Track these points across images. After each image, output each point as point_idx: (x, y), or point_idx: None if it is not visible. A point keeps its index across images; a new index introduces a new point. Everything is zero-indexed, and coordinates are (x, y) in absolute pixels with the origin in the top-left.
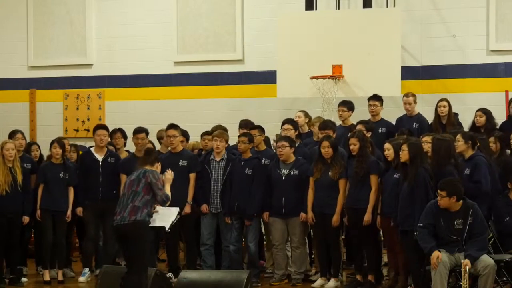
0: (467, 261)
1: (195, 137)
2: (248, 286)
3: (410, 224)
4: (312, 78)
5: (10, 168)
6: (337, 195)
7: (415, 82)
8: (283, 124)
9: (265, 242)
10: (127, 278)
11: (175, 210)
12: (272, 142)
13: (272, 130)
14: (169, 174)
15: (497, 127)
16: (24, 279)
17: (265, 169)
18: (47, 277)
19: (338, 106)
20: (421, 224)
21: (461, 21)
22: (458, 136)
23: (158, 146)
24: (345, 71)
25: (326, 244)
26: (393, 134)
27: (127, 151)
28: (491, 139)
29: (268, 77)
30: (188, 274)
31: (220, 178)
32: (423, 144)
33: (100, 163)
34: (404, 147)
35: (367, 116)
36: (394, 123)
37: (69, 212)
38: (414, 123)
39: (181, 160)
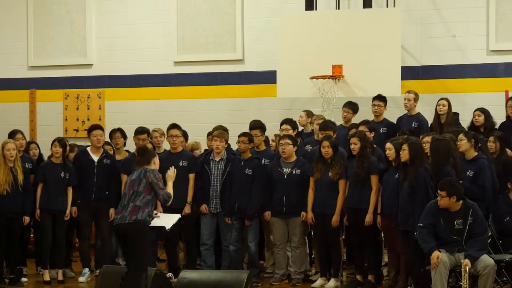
0: (467, 261)
1: (195, 137)
2: (248, 286)
3: (410, 224)
4: (312, 78)
5: (11, 168)
6: (337, 195)
7: (415, 82)
8: (281, 124)
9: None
10: (127, 277)
11: (176, 216)
12: (270, 142)
13: (272, 130)
14: (172, 172)
15: (496, 126)
16: (24, 279)
17: (265, 169)
18: (47, 277)
19: (343, 107)
20: (421, 224)
21: (461, 21)
22: (461, 135)
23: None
24: (345, 71)
25: (326, 244)
26: (394, 134)
27: (127, 151)
28: (491, 138)
29: (268, 77)
30: (188, 274)
31: (219, 178)
32: (423, 144)
33: (96, 164)
34: (405, 147)
35: (367, 116)
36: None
37: (68, 212)
38: (413, 123)
39: (181, 161)
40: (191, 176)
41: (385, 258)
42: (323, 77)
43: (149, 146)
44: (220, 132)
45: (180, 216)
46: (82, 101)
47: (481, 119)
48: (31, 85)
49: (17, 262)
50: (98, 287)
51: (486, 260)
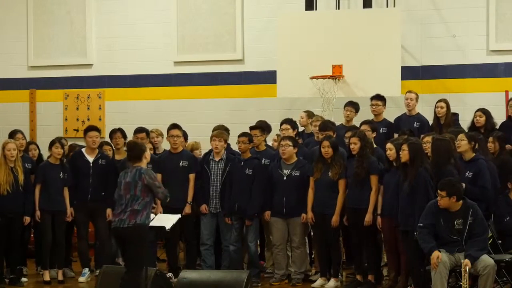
0: (467, 261)
1: (195, 137)
2: (248, 286)
3: (410, 224)
4: (312, 78)
5: (11, 168)
6: (337, 195)
7: (415, 82)
8: (281, 124)
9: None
10: (126, 277)
11: (176, 216)
12: (272, 142)
13: (272, 130)
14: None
15: (496, 127)
16: (24, 279)
17: (265, 169)
18: (47, 277)
19: (346, 106)
20: (421, 224)
21: (461, 21)
22: (462, 136)
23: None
24: (345, 71)
25: (326, 244)
26: (393, 134)
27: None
28: (490, 139)
29: (268, 77)
30: (188, 274)
31: (219, 178)
32: (424, 144)
33: (91, 164)
34: (404, 147)
35: (367, 117)
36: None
37: (69, 212)
38: (415, 122)
39: (181, 161)
40: (191, 176)
41: (385, 258)
42: (323, 77)
43: (149, 146)
44: (218, 132)
45: (180, 216)
46: (82, 101)
47: (482, 120)
48: (31, 85)
49: (17, 262)
50: (98, 287)
51: (486, 260)
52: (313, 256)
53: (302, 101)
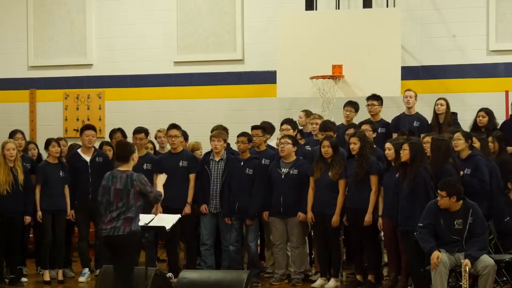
0: (467, 261)
1: (195, 138)
2: (248, 286)
3: (410, 224)
4: (312, 78)
5: (11, 168)
6: (336, 195)
7: (415, 82)
8: (282, 124)
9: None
10: (120, 285)
11: (176, 216)
12: (276, 144)
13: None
14: (162, 177)
15: (498, 127)
16: (24, 279)
17: (265, 169)
18: (47, 277)
19: (345, 106)
20: (421, 224)
21: (461, 21)
22: (458, 135)
23: (158, 146)
24: (345, 71)
25: (326, 244)
26: (391, 134)
27: None
28: (490, 138)
29: (268, 77)
30: (188, 274)
31: (219, 178)
32: (423, 144)
33: (89, 164)
34: (405, 146)
35: (367, 117)
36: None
37: (69, 211)
38: (415, 121)
39: (181, 161)
40: (192, 176)
41: (385, 258)
42: (323, 77)
43: (149, 145)
44: (217, 132)
45: (180, 216)
46: (82, 101)
47: (485, 120)
48: (31, 85)
49: (17, 262)
50: (98, 287)
51: (486, 260)
52: (313, 256)
53: (302, 101)
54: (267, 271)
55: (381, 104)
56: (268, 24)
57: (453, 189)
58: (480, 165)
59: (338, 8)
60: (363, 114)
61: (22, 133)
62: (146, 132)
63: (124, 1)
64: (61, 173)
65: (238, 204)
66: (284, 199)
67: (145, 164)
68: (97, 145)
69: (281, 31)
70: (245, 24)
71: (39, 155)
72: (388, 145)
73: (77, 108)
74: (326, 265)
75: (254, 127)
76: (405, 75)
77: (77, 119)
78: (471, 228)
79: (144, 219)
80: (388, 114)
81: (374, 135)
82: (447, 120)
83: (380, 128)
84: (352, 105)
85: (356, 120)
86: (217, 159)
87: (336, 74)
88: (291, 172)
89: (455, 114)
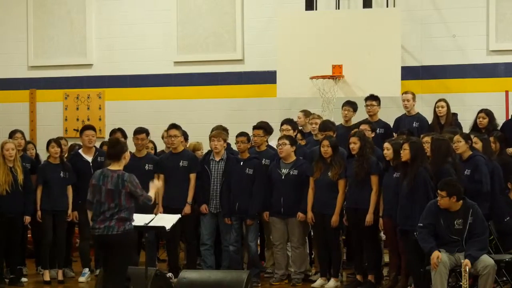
0: (467, 261)
1: (195, 138)
2: (248, 286)
3: (410, 224)
4: (312, 78)
5: (10, 168)
6: (336, 195)
7: (415, 82)
8: (282, 124)
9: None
10: (112, 286)
11: (176, 216)
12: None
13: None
14: (156, 183)
15: (498, 127)
16: (24, 279)
17: (265, 169)
18: (47, 277)
19: (343, 106)
20: (421, 224)
21: (461, 21)
22: (458, 137)
23: (159, 146)
24: (345, 71)
25: (326, 244)
26: (391, 135)
27: None
28: (491, 139)
29: (268, 77)
30: (188, 274)
31: (219, 178)
32: (423, 144)
33: (91, 164)
34: (406, 146)
35: (366, 117)
36: (393, 123)
37: (69, 211)
38: (415, 122)
39: (181, 161)
40: (192, 176)
41: (385, 258)
42: (323, 77)
43: (150, 145)
44: (217, 132)
45: (180, 216)
46: (82, 101)
47: (485, 121)
48: (31, 85)
49: (17, 262)
50: (98, 287)
51: (486, 260)
52: (313, 256)
53: (302, 101)
54: (267, 271)
55: (379, 104)
56: (268, 24)
57: (453, 189)
58: (480, 166)
59: (338, 8)
60: (362, 115)
61: (22, 133)
62: (147, 132)
63: (124, 1)
64: (62, 174)
65: (238, 204)
66: (284, 200)
67: (147, 165)
68: (97, 145)
69: (281, 31)
70: (245, 24)
71: (37, 155)
72: (386, 145)
73: (77, 108)
74: (326, 265)
75: (255, 127)
76: (405, 75)
77: (77, 119)
78: (471, 228)
79: (144, 219)
80: (388, 114)
81: (373, 135)
82: (448, 121)
83: (378, 129)
84: (351, 105)
85: (355, 120)
86: (217, 159)
87: (336, 74)
88: (291, 172)
89: (455, 114)
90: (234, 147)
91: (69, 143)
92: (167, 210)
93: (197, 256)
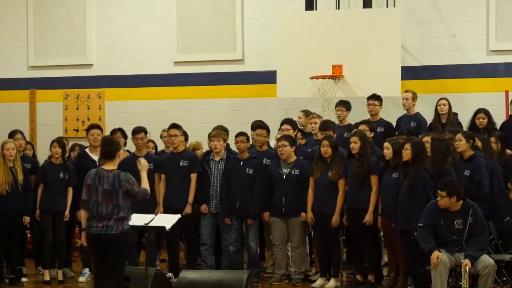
0: (467, 261)
1: (195, 137)
2: (248, 286)
3: (410, 224)
4: (312, 78)
5: (10, 168)
6: (336, 195)
7: (415, 82)
8: (282, 124)
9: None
10: (110, 285)
11: (176, 216)
12: (274, 145)
13: (272, 130)
14: (143, 162)
15: (496, 126)
16: (24, 279)
17: (266, 169)
18: (47, 277)
19: (336, 106)
20: (421, 224)
21: (461, 21)
22: (460, 136)
23: (159, 146)
24: (345, 71)
25: (326, 244)
26: (392, 134)
27: (127, 150)
28: (492, 139)
29: (268, 77)
30: (188, 274)
31: (219, 178)
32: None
33: (97, 163)
34: (407, 146)
35: (366, 117)
36: (394, 122)
37: (67, 212)
38: (412, 122)
39: (182, 160)
40: (193, 176)
41: (385, 258)
42: (323, 77)
43: (150, 145)
44: (217, 132)
45: (180, 216)
46: (82, 101)
47: (485, 122)
48: (31, 85)
49: (17, 262)
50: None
51: (486, 260)
52: (313, 256)
53: (302, 101)
54: (267, 271)
55: (381, 104)
56: (268, 24)
57: (453, 189)
58: (479, 167)
59: (338, 8)
60: (362, 115)
61: (22, 133)
62: (145, 131)
63: (124, 1)
64: (61, 174)
65: (239, 204)
66: (285, 200)
67: (148, 164)
68: None
69: (281, 31)
70: (245, 24)
71: (34, 155)
72: (386, 144)
73: (77, 108)
74: (326, 265)
75: (258, 127)
76: (405, 75)
77: (77, 119)
78: (471, 228)
79: (144, 219)
80: (388, 114)
81: (372, 135)
82: (450, 120)
83: (379, 128)
84: (344, 105)
85: (354, 119)
86: (217, 159)
87: (336, 74)
88: (293, 172)
89: (455, 114)
90: (233, 147)
91: (70, 143)
92: (168, 210)
93: (197, 256)
